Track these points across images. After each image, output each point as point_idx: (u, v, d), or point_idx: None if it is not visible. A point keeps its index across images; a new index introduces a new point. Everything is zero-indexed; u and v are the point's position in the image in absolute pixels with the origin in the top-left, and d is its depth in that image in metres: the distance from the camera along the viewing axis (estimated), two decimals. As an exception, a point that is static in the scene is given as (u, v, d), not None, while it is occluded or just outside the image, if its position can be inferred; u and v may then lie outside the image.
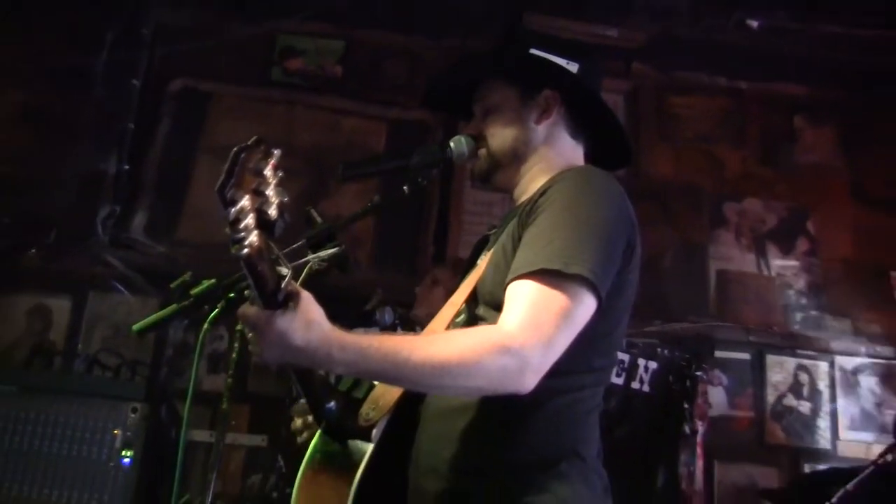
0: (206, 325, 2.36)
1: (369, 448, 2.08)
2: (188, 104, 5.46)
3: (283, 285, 1.72)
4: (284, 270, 1.74)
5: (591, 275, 1.94)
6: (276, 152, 1.66)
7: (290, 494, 2.23)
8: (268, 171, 1.63)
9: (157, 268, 4.88)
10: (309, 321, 1.75)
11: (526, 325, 1.89)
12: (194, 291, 2.32)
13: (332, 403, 2.08)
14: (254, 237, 1.58)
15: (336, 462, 2.10)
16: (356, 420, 2.12)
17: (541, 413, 2.04)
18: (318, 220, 2.49)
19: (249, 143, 1.61)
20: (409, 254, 5.24)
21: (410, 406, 2.19)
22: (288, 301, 1.73)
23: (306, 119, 5.50)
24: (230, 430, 4.66)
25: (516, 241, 2.11)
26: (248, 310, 1.76)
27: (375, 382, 2.19)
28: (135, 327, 2.39)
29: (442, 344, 1.93)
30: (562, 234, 2.00)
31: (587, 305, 1.97)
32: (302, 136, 5.42)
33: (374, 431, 2.10)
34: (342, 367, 1.85)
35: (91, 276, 5.01)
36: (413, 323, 4.19)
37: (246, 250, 1.58)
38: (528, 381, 1.89)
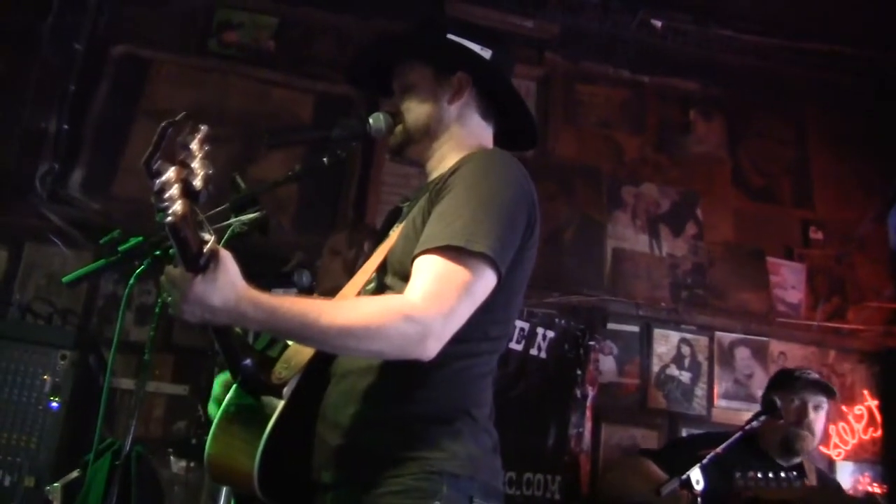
0: (132, 280, 2.35)
1: (280, 404, 2.08)
2: (129, 69, 5.31)
3: (205, 250, 1.72)
4: (207, 235, 1.73)
5: (492, 252, 1.96)
6: (204, 128, 1.66)
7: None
8: (194, 145, 1.64)
9: (91, 223, 4.75)
10: (226, 282, 1.76)
11: (429, 297, 1.91)
12: (122, 248, 2.32)
13: (248, 360, 2.06)
14: (178, 206, 1.59)
15: (249, 415, 2.08)
16: (269, 377, 2.11)
17: (438, 375, 2.05)
18: (242, 185, 2.48)
19: (178, 118, 1.61)
20: (330, 219, 5.20)
21: (322, 367, 2.18)
22: (209, 263, 1.73)
23: (239, 88, 5.40)
24: (155, 380, 4.64)
25: (426, 215, 2.11)
26: (173, 271, 1.77)
27: (290, 343, 2.18)
28: (64, 279, 2.38)
29: (349, 309, 1.94)
30: (467, 213, 2.01)
31: (487, 280, 1.99)
32: (234, 103, 5.33)
33: (286, 389, 2.09)
34: (255, 324, 1.86)
35: (28, 228, 4.86)
36: (331, 286, 4.15)
37: (170, 218, 1.60)
38: (430, 349, 1.91)
